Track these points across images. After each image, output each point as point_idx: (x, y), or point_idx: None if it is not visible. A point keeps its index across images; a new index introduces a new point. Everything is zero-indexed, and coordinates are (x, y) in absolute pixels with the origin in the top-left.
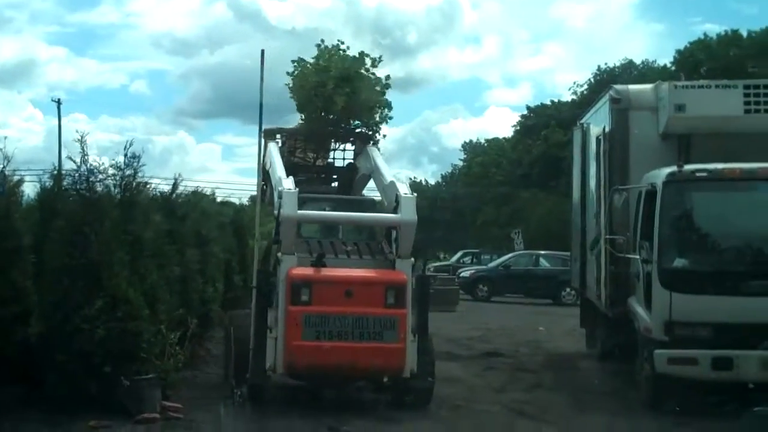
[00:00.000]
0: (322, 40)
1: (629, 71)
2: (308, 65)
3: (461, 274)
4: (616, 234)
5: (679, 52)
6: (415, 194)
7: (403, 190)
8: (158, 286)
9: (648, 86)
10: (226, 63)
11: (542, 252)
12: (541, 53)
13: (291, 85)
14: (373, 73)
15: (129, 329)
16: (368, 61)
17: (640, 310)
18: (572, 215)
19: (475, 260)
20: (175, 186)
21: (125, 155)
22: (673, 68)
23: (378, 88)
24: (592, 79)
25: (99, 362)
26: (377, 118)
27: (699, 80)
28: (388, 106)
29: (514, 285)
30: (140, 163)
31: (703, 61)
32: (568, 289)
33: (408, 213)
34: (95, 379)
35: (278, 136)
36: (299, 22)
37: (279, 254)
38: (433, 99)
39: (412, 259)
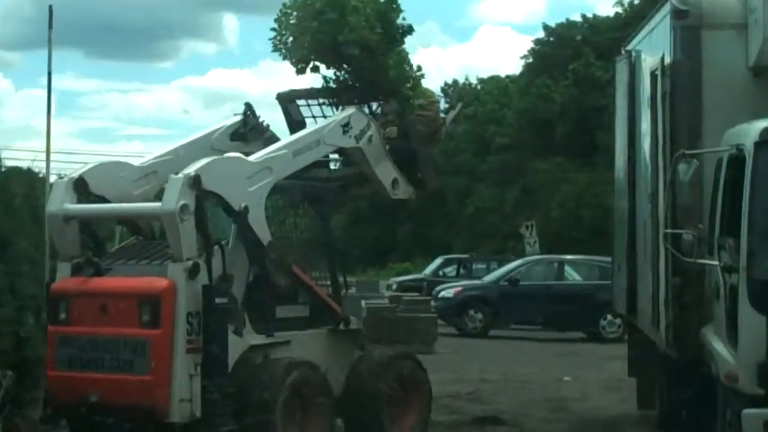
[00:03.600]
0: None
1: None
2: None
3: (441, 294)
4: (682, 227)
5: None
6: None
7: (195, 167)
8: None
9: None
10: None
11: (569, 257)
12: None
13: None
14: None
15: None
16: None
17: (721, 347)
18: (615, 198)
19: (463, 271)
20: None
21: None
22: None
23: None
24: None
25: None
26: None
27: None
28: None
29: (524, 310)
30: None
31: None
32: (609, 316)
33: (168, 200)
34: None
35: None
36: None
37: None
38: None
39: (190, 262)
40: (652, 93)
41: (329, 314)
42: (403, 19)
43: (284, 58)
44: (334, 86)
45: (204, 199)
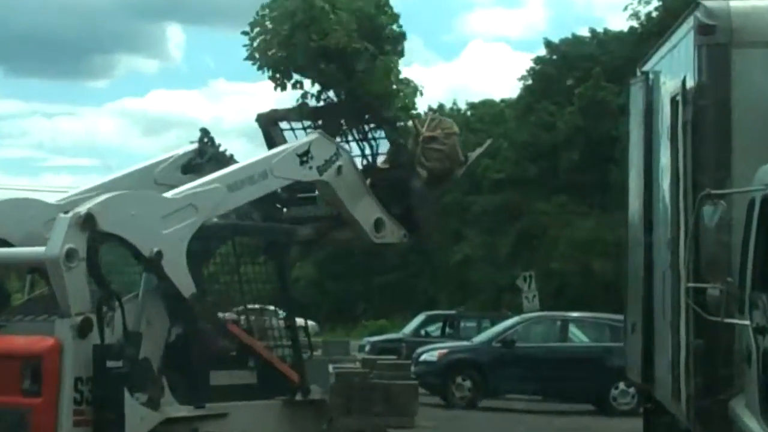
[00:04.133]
0: None
1: None
2: None
3: (423, 357)
4: (708, 280)
5: None
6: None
7: (89, 204)
8: None
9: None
10: None
11: (574, 314)
12: None
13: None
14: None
15: None
16: None
17: (754, 424)
18: (628, 245)
19: (449, 330)
20: None
21: None
22: None
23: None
24: None
25: None
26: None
27: None
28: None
29: (521, 377)
30: None
31: None
32: (621, 385)
33: (53, 244)
34: None
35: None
36: None
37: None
38: None
39: (80, 318)
40: (673, 122)
41: (283, 382)
42: (399, 26)
43: (259, 68)
44: (315, 104)
45: (100, 242)
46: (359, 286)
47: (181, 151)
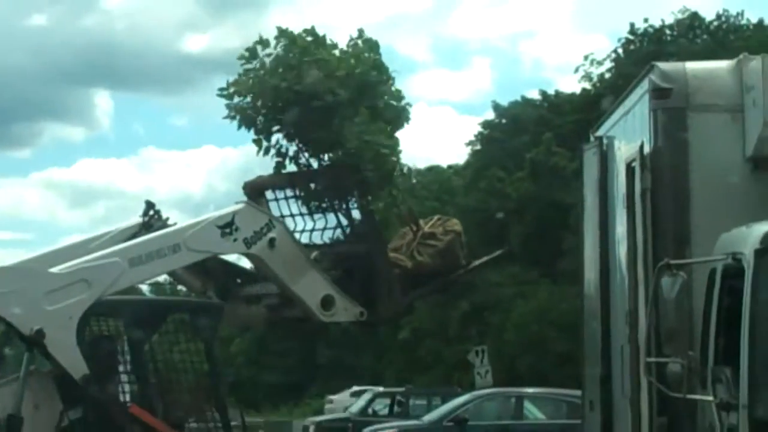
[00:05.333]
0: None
1: (692, 31)
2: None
3: None
4: (668, 354)
5: None
6: None
7: None
8: None
9: (725, 63)
10: None
11: (529, 390)
12: None
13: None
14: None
15: None
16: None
17: None
18: (584, 317)
19: (397, 408)
20: None
21: None
22: None
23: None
24: (620, 51)
25: None
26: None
27: None
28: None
29: None
30: None
31: None
32: None
33: None
34: None
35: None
36: None
37: None
38: None
39: None
40: (629, 189)
41: None
42: (400, 99)
43: (238, 126)
44: (293, 168)
45: None
46: (303, 361)
47: (123, 225)
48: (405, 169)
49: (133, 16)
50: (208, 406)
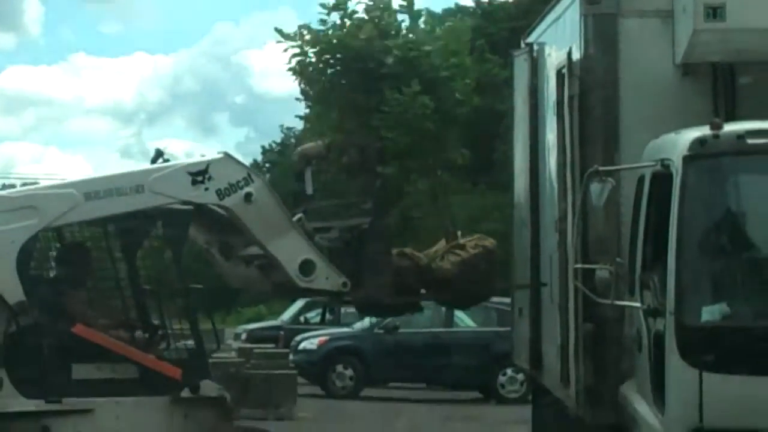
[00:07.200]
0: None
1: None
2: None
3: (302, 346)
4: (596, 261)
5: None
6: None
7: None
8: None
9: None
10: None
11: None
12: None
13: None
14: None
15: None
16: None
17: (644, 408)
18: (514, 225)
19: (329, 316)
20: None
21: None
22: None
23: None
24: None
25: None
26: None
27: None
28: None
29: (405, 364)
30: None
31: None
32: (509, 371)
33: None
34: None
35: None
36: None
37: None
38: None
39: None
40: (559, 96)
41: (161, 378)
42: None
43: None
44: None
45: None
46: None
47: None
48: None
49: None
50: (180, 316)
